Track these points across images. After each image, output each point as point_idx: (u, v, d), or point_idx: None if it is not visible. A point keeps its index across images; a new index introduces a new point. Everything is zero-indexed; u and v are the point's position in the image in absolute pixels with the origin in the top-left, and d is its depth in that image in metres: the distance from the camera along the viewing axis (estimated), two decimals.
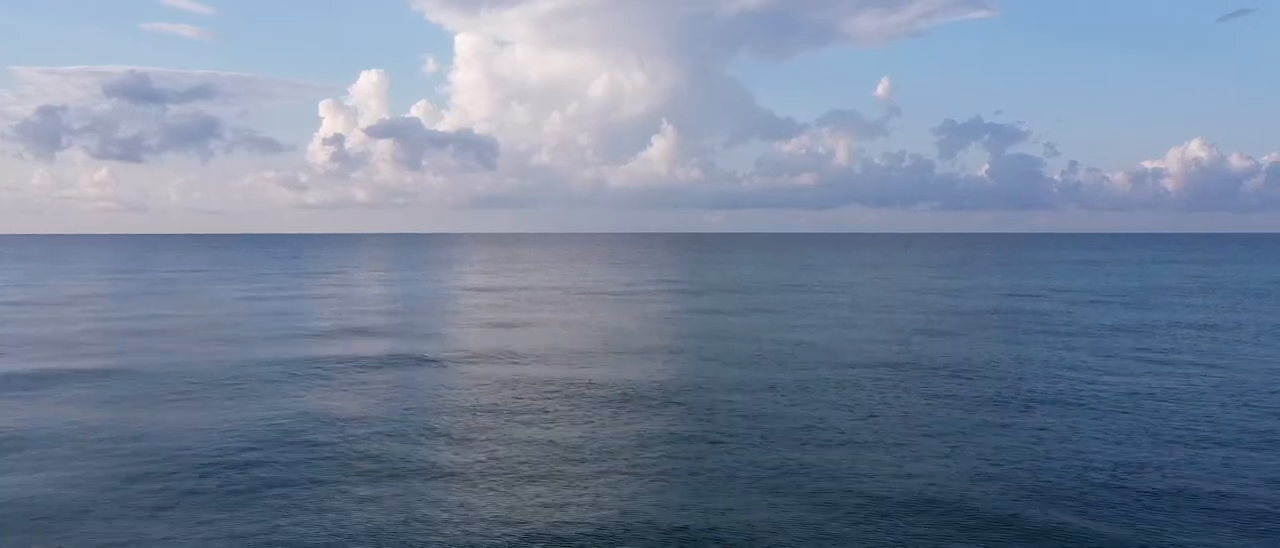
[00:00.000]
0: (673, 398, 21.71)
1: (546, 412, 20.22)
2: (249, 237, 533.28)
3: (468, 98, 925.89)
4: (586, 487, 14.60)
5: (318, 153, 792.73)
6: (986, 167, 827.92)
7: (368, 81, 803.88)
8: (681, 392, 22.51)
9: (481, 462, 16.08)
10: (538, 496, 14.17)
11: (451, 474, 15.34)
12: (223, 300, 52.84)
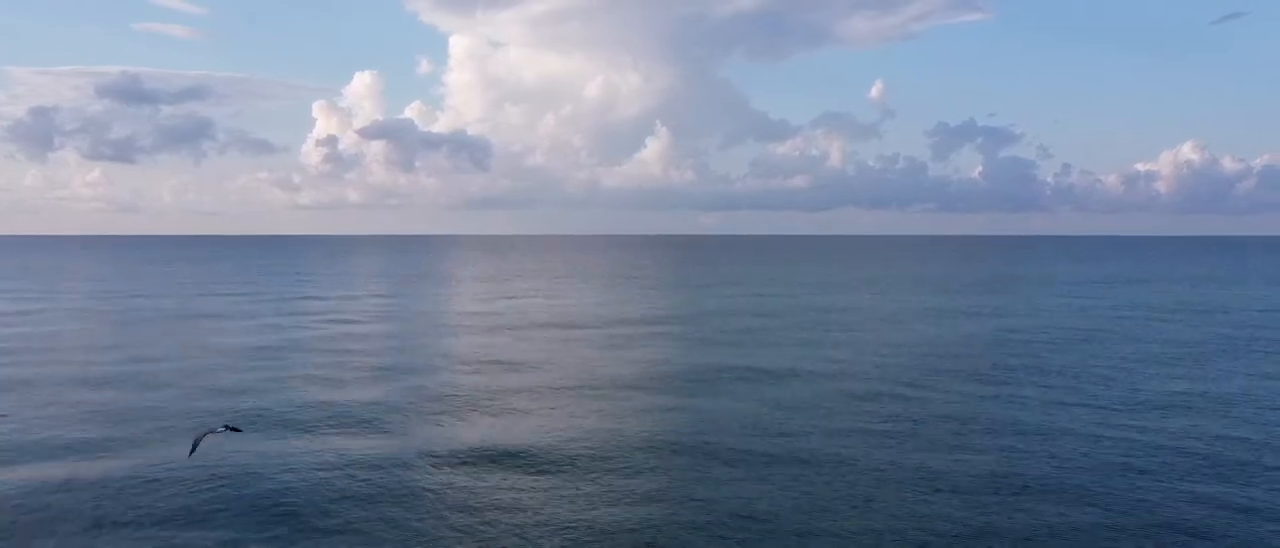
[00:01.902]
0: (668, 488, 21.41)
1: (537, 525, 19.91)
2: (243, 238, 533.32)
3: (462, 99, 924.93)
4: None
5: (311, 154, 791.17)
6: (980, 169, 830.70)
7: (361, 83, 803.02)
8: (677, 481, 22.22)
9: None
10: None
11: None
12: (209, 347, 52.34)
